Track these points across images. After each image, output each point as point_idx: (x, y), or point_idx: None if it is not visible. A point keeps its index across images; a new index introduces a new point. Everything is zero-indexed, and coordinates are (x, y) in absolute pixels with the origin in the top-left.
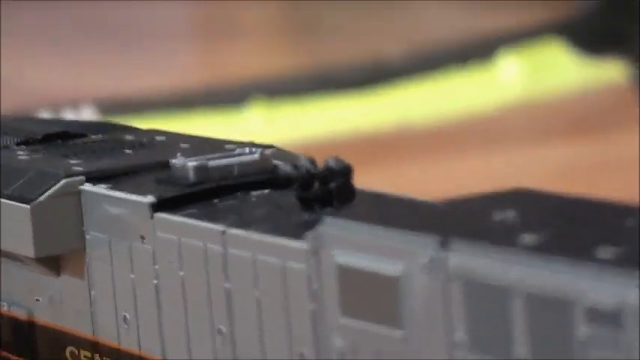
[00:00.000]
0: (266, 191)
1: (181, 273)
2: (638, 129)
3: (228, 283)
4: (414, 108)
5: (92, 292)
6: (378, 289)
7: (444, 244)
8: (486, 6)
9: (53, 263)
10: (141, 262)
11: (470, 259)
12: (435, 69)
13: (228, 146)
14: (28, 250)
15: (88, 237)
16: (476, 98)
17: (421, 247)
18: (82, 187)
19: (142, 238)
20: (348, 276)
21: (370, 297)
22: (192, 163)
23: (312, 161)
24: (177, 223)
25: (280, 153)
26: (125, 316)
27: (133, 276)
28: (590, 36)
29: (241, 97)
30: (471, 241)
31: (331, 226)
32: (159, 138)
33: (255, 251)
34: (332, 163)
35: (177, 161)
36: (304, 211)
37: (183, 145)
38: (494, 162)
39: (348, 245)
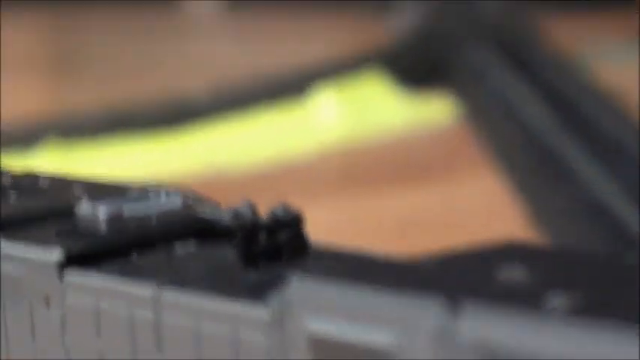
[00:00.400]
0: (191, 243)
1: (99, 344)
2: (476, 172)
3: (159, 357)
4: (222, 152)
5: None
6: None
7: (452, 308)
8: (295, 35)
9: None
10: (46, 333)
11: (488, 326)
12: (243, 107)
13: (131, 191)
14: None
15: None
16: (291, 141)
17: (423, 312)
18: None
19: (46, 302)
20: (324, 349)
21: None
22: (103, 211)
23: (253, 208)
24: (95, 283)
25: (197, 198)
26: None
27: (34, 350)
28: (413, 68)
29: (32, 138)
30: (486, 303)
31: (300, 287)
32: (43, 182)
33: (197, 319)
34: (279, 212)
35: (83, 208)
36: (248, 269)
37: (78, 191)
38: (317, 216)
39: (323, 311)
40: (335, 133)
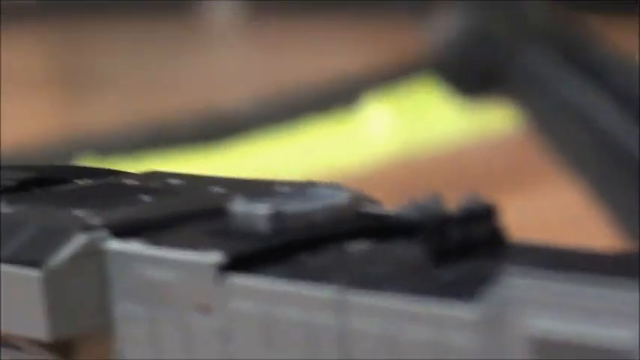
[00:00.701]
0: (366, 243)
1: (269, 354)
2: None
3: None
4: (271, 166)
5: None
6: None
7: None
8: (321, 43)
9: (66, 348)
10: (203, 343)
11: None
12: (288, 119)
13: (279, 187)
14: (39, 331)
15: (116, 310)
16: (343, 153)
17: None
18: (107, 245)
19: (205, 309)
20: (549, 350)
21: None
22: (264, 210)
23: (439, 202)
24: (263, 287)
25: (361, 195)
26: None
27: None
28: (466, 74)
29: (71, 154)
30: None
31: (520, 282)
32: (174, 181)
33: (389, 323)
34: (471, 203)
35: (239, 207)
36: (440, 266)
37: (218, 189)
38: None
39: (548, 309)
40: (389, 145)
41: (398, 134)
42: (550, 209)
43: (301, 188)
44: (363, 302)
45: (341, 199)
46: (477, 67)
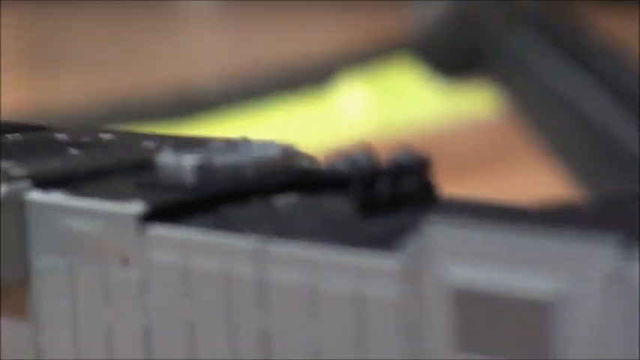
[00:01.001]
0: (294, 196)
1: (188, 309)
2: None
3: (266, 321)
4: None
5: (41, 338)
6: (520, 319)
7: (626, 251)
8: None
9: None
10: (122, 295)
11: None
12: (258, 98)
13: (212, 143)
14: None
15: (35, 262)
16: (315, 134)
17: (592, 257)
18: (27, 196)
19: (125, 261)
20: (469, 300)
21: (506, 330)
22: (190, 161)
23: (370, 155)
24: (183, 237)
25: (295, 150)
26: None
27: (108, 315)
28: (447, 55)
29: None
30: None
31: (441, 232)
32: (105, 136)
33: (309, 274)
34: (402, 157)
35: (165, 159)
36: (367, 219)
37: (148, 144)
38: None
39: (469, 259)
40: (364, 125)
41: (374, 114)
42: (527, 188)
43: (233, 143)
44: (283, 252)
45: (271, 152)
46: (462, 48)
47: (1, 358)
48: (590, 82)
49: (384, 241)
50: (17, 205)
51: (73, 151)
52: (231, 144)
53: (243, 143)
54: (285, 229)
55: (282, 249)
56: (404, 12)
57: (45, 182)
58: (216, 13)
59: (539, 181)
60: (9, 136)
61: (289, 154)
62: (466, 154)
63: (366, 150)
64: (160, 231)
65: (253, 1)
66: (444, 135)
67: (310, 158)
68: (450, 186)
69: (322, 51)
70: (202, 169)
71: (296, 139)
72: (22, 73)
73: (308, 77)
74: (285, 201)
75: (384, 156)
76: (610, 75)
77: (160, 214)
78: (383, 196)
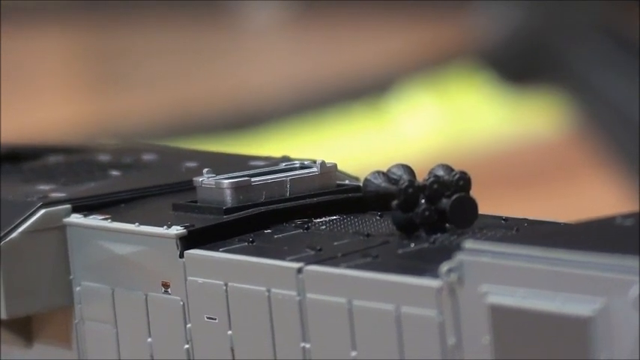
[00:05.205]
0: (334, 217)
1: (229, 332)
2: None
3: (307, 343)
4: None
5: None
6: (556, 336)
7: None
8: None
9: (22, 326)
10: (164, 320)
11: None
12: (325, 110)
13: (253, 162)
14: None
15: (77, 289)
16: (379, 148)
17: (626, 275)
18: (67, 219)
19: (165, 286)
20: (505, 320)
21: (544, 348)
22: (228, 181)
23: (410, 172)
24: (222, 262)
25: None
26: None
27: (150, 340)
28: (514, 63)
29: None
30: None
31: (477, 253)
32: (146, 157)
33: (350, 295)
34: (441, 173)
35: (203, 180)
36: (407, 239)
37: (190, 164)
38: None
39: (505, 281)
40: (430, 140)
41: (437, 127)
42: (599, 207)
43: (274, 163)
44: (323, 274)
45: (312, 172)
46: (531, 58)
47: None
48: None
49: (424, 262)
50: (56, 229)
51: (114, 173)
52: (271, 163)
53: (284, 162)
54: (325, 250)
55: (321, 271)
56: (469, 20)
57: (85, 205)
58: (278, 24)
59: (607, 200)
60: (50, 158)
61: (330, 173)
62: (532, 170)
63: (405, 168)
64: (200, 254)
65: (314, 14)
66: (511, 149)
67: (352, 177)
68: (516, 202)
69: (384, 62)
70: (242, 190)
71: (356, 153)
72: (81, 88)
73: (370, 88)
74: (325, 221)
75: (431, 173)
76: None
77: (199, 236)
78: (423, 215)
